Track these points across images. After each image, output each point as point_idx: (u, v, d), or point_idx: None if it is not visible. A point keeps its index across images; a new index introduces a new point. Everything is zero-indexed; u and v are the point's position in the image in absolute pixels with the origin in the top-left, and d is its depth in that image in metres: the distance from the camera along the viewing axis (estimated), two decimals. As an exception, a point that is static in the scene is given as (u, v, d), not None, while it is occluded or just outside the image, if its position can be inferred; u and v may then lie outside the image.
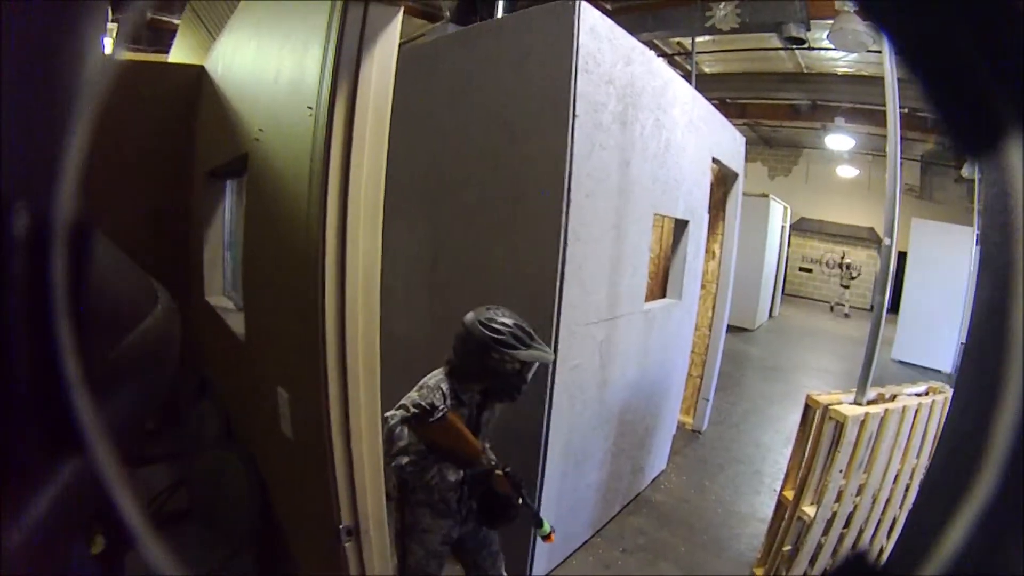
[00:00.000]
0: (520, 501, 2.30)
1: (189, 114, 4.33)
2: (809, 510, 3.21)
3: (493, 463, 2.33)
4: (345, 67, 1.69)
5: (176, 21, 5.32)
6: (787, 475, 3.49)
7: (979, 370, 0.96)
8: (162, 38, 5.97)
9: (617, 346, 3.33)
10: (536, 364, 2.26)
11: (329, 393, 1.85)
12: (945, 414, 3.35)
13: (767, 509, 3.98)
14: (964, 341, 1.16)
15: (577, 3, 2.56)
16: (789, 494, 3.38)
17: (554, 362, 2.70)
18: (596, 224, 2.87)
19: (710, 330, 5.56)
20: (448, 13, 6.59)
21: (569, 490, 3.17)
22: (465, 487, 2.25)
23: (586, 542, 3.57)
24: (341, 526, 1.97)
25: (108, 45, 0.61)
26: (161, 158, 4.44)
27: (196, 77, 4.31)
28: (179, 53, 5.39)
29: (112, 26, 3.00)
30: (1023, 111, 0.35)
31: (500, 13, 5.17)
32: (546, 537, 2.36)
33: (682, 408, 5.23)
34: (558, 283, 2.66)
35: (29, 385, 0.43)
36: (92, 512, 0.52)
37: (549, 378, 2.74)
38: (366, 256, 1.82)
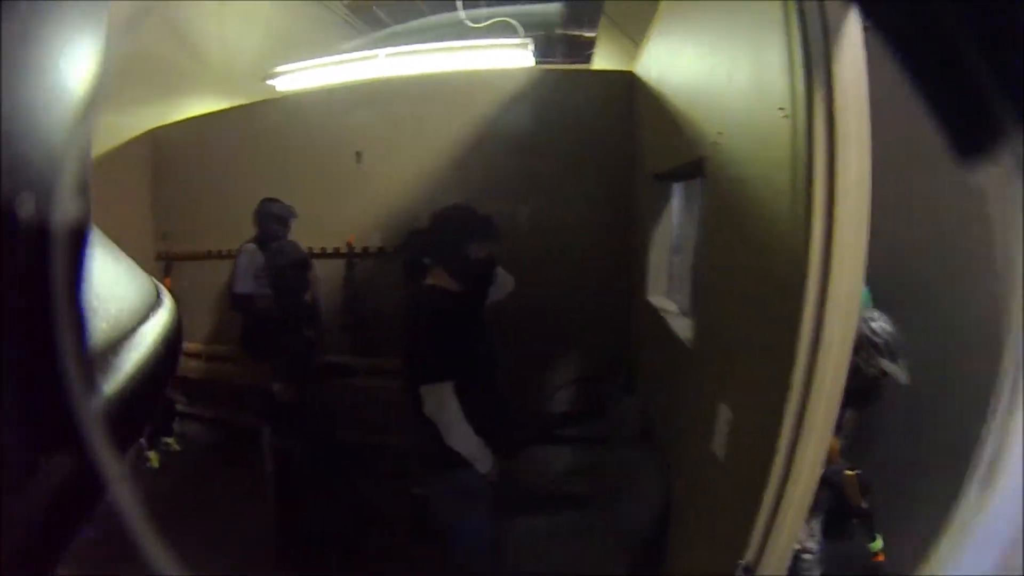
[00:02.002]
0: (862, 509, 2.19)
1: (625, 118, 4.56)
2: None
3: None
4: (816, 65, 1.56)
5: (590, 34, 5.62)
6: None
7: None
8: (578, 50, 6.37)
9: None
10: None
11: (785, 419, 1.72)
12: None
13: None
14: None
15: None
16: None
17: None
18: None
19: None
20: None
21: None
22: None
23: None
24: (741, 562, 1.86)
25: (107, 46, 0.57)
26: (598, 161, 4.76)
27: (627, 82, 4.52)
28: (602, 61, 5.72)
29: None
30: (1023, 111, 0.35)
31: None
32: (875, 555, 2.00)
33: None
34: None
35: (28, 385, 0.44)
36: (94, 510, 0.51)
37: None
38: (850, 273, 1.64)
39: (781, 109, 1.75)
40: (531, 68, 5.18)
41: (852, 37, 1.60)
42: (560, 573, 2.94)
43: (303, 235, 5.12)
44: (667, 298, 4.02)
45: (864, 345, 2.16)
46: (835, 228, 1.61)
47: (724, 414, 2.19)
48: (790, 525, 1.88)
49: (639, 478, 2.97)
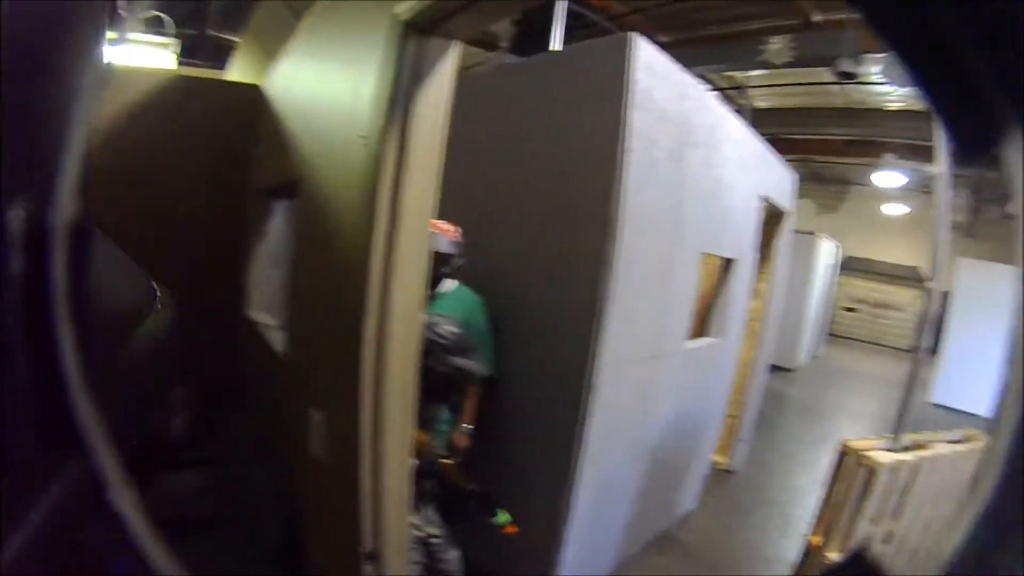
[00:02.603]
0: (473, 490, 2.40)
1: (246, 132, 4.43)
2: (834, 556, 3.12)
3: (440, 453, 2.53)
4: (400, 99, 1.72)
5: (236, 39, 5.44)
6: (817, 520, 3.40)
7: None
8: (221, 54, 6.10)
9: (657, 384, 3.28)
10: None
11: (362, 417, 1.86)
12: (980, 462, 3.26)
13: (793, 554, 3.88)
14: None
15: (632, 38, 2.55)
16: (817, 539, 3.28)
17: (590, 397, 2.68)
18: (645, 262, 2.85)
19: (751, 369, 5.43)
20: (505, 43, 6.67)
21: (597, 525, 3.12)
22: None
23: (607, 580, 3.50)
24: (363, 550, 1.98)
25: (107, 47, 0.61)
26: (215, 172, 4.54)
27: (253, 96, 4.42)
28: (238, 71, 5.54)
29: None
30: (1023, 111, 0.35)
31: (557, 45, 5.21)
32: (503, 527, 2.37)
33: (717, 447, 5.13)
34: (600, 319, 2.63)
35: (29, 385, 0.43)
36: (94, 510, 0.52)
37: (582, 412, 2.70)
38: (409, 287, 1.84)
39: (363, 137, 1.87)
40: (165, 70, 4.84)
41: (443, 77, 1.80)
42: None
43: None
44: (265, 313, 3.99)
45: (433, 348, 2.38)
46: (395, 249, 1.78)
47: (316, 417, 2.28)
48: (395, 513, 2.01)
49: (260, 491, 2.91)
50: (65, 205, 0.43)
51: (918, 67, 0.40)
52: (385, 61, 1.78)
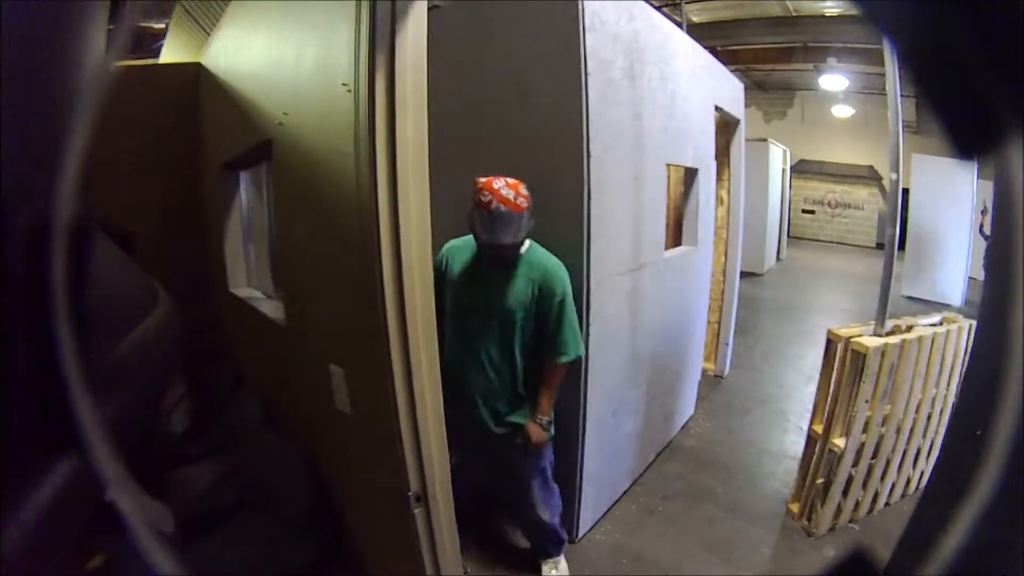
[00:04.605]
0: None
1: (190, 111, 4.33)
2: (839, 442, 3.32)
3: None
4: (381, 41, 1.73)
5: (158, 26, 5.26)
6: (815, 410, 3.59)
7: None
8: (143, 44, 5.88)
9: (643, 294, 3.42)
10: None
11: (392, 363, 1.89)
12: (962, 344, 3.47)
13: (796, 447, 4.11)
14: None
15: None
16: (818, 428, 3.48)
17: (588, 312, 2.80)
18: (616, 176, 2.96)
19: (724, 276, 5.69)
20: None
21: (609, 440, 3.27)
22: None
23: (627, 491, 3.68)
24: (410, 492, 2.03)
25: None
26: (164, 158, 4.44)
27: (193, 74, 4.31)
28: (171, 53, 5.37)
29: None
30: (1023, 111, 0.35)
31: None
32: None
33: (704, 355, 5.33)
34: (586, 236, 2.75)
35: (29, 385, 0.43)
36: (91, 516, 0.51)
37: (584, 329, 2.81)
38: (418, 223, 1.88)
39: (344, 84, 1.88)
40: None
41: (420, 15, 1.82)
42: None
43: None
44: (249, 287, 3.98)
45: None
46: (400, 186, 1.81)
47: (337, 372, 2.28)
48: (437, 451, 2.08)
49: (279, 464, 2.90)
50: (65, 205, 0.43)
51: (919, 66, 0.39)
52: (359, 7, 1.78)
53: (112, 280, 0.64)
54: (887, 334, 3.29)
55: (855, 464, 3.39)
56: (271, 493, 2.94)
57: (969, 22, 0.35)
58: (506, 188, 2.39)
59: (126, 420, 0.60)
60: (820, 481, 3.46)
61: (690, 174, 4.34)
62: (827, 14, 10.05)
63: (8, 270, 0.41)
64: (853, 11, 9.31)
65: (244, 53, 3.20)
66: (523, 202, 2.42)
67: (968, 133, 0.38)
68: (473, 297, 2.63)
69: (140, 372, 0.62)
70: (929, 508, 1.18)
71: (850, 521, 3.54)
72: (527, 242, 2.59)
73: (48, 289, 0.42)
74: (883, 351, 3.15)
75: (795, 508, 3.60)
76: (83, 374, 0.42)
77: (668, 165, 3.66)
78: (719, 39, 10.95)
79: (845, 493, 3.44)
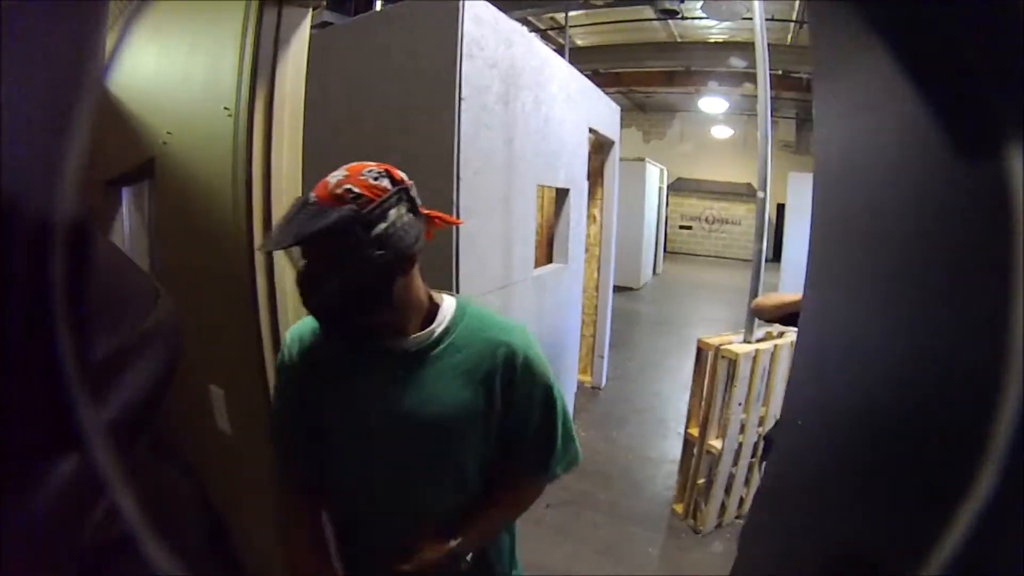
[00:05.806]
0: None
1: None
2: (716, 443, 3.53)
3: None
4: (263, 68, 1.79)
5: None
6: (689, 415, 3.81)
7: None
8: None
9: (513, 311, 3.55)
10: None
11: (269, 384, 1.93)
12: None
13: (676, 451, 4.30)
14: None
15: (463, -7, 2.74)
16: (694, 432, 3.69)
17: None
18: (486, 199, 3.11)
19: (597, 290, 5.97)
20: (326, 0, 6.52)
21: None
22: None
23: (511, 505, 3.74)
24: None
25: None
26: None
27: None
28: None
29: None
30: (1023, 111, 0.34)
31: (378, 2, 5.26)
32: None
33: (580, 367, 5.54)
34: (455, 255, 2.87)
35: (29, 384, 0.43)
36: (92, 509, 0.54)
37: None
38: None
39: (226, 108, 1.90)
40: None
41: (301, 43, 1.88)
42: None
43: None
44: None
45: None
46: (274, 208, 1.86)
47: (217, 393, 2.28)
48: None
49: (169, 488, 2.79)
50: (65, 205, 0.43)
51: (920, 68, 0.39)
52: (244, 31, 1.82)
53: (112, 280, 0.65)
54: (758, 341, 3.53)
55: (735, 463, 3.61)
56: (165, 519, 2.84)
57: (970, 24, 0.36)
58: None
59: (126, 420, 0.59)
60: (701, 481, 3.67)
61: (561, 194, 4.57)
62: (710, 40, 10.60)
63: (9, 270, 0.41)
64: (737, 37, 9.93)
65: (131, 67, 3.13)
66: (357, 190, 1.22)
67: (968, 133, 0.39)
68: (362, 402, 1.37)
69: (140, 372, 0.62)
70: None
71: (736, 517, 3.76)
72: (454, 302, 1.45)
73: (48, 289, 0.42)
74: (755, 356, 3.38)
75: (679, 509, 3.80)
76: (83, 374, 0.43)
77: (540, 186, 3.85)
78: (602, 62, 11.41)
79: (728, 491, 3.66)
